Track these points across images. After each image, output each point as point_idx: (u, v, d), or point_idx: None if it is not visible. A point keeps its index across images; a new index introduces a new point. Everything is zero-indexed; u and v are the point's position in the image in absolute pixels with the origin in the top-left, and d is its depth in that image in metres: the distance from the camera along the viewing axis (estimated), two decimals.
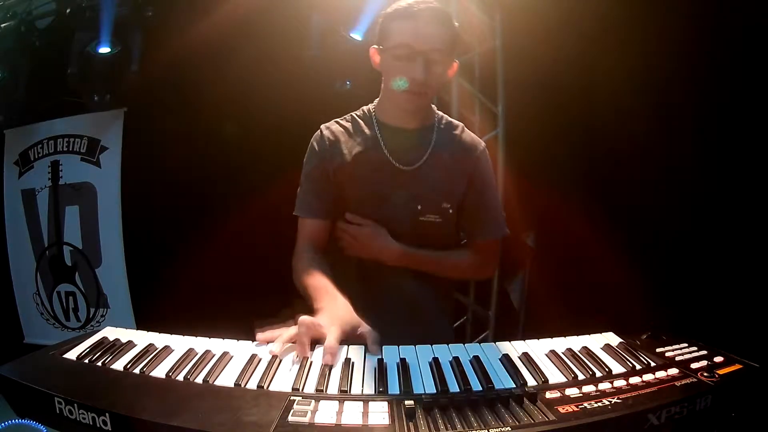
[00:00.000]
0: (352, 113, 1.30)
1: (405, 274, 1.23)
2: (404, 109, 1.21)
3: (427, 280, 1.25)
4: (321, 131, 1.27)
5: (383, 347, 0.90)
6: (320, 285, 1.09)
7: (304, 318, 0.89)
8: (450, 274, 1.31)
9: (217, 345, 0.90)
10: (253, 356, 0.84)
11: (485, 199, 1.28)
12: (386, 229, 1.22)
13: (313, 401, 0.69)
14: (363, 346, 0.90)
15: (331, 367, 0.81)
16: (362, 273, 1.25)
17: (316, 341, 0.89)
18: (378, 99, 1.28)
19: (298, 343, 0.86)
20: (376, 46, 1.20)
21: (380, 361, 0.84)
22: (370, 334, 0.93)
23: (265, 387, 0.75)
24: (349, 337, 0.93)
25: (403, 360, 0.84)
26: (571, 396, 0.72)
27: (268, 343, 0.90)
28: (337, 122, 1.29)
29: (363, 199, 1.22)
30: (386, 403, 0.69)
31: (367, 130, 1.25)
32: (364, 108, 1.30)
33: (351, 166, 1.21)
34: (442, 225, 1.23)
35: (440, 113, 1.30)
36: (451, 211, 1.23)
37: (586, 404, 0.69)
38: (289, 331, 0.89)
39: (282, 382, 0.77)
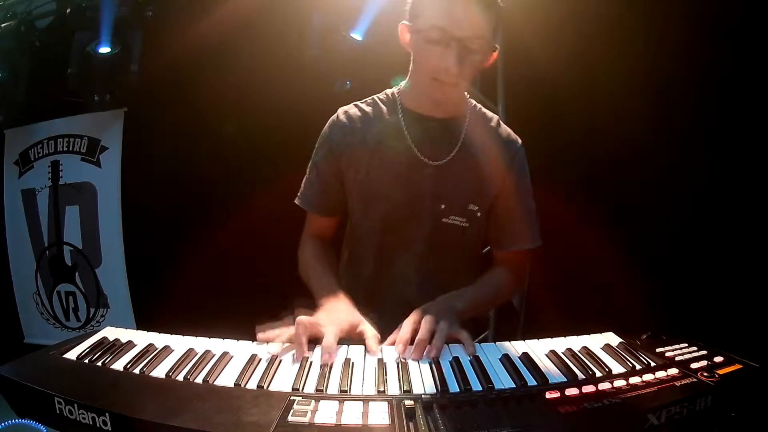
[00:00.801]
0: (375, 96, 1.16)
1: (426, 289, 1.11)
2: (433, 99, 1.07)
3: (439, 282, 1.11)
4: (338, 115, 1.15)
5: (383, 347, 0.90)
6: (323, 280, 1.07)
7: (301, 318, 0.89)
8: (497, 304, 1.21)
9: (217, 345, 0.90)
10: (253, 356, 0.84)
11: (520, 204, 1.14)
12: (405, 228, 1.10)
13: (313, 401, 0.69)
14: (363, 346, 0.90)
15: (331, 367, 0.81)
16: (379, 284, 1.16)
17: (315, 340, 0.89)
18: (404, 81, 1.13)
19: (296, 343, 0.86)
20: (406, 23, 1.03)
21: (380, 361, 0.84)
22: (370, 332, 0.93)
23: (265, 387, 0.75)
24: (349, 335, 0.93)
25: (403, 360, 0.84)
26: (571, 396, 0.72)
27: (267, 342, 0.90)
28: (357, 105, 1.15)
29: (381, 193, 1.10)
30: (386, 403, 0.69)
31: (389, 116, 1.11)
32: (388, 91, 1.16)
33: (368, 156, 1.09)
34: (467, 231, 1.11)
35: (473, 102, 1.16)
36: (479, 214, 1.11)
37: (586, 404, 0.69)
38: (288, 332, 0.89)
39: (282, 382, 0.77)
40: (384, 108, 1.13)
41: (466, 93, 1.14)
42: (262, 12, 2.66)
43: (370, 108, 1.14)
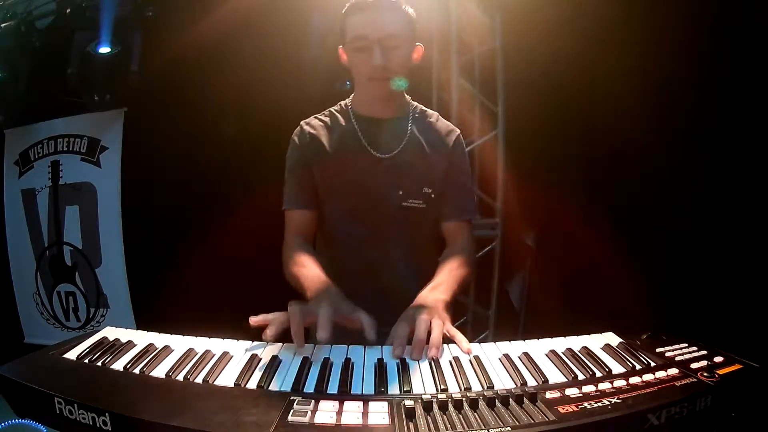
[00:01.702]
0: (330, 108, 1.34)
1: (391, 272, 1.25)
2: (376, 97, 1.25)
3: (419, 273, 1.23)
4: (301, 126, 1.32)
5: (383, 347, 0.90)
6: (310, 273, 1.11)
7: (294, 303, 0.90)
8: (466, 283, 1.26)
9: (217, 345, 0.90)
10: (253, 356, 0.84)
11: (460, 182, 1.32)
12: (371, 216, 1.24)
13: (313, 401, 0.69)
14: (363, 346, 0.90)
15: (331, 367, 0.81)
16: (354, 272, 1.25)
17: (309, 328, 0.89)
18: (353, 94, 1.33)
19: (295, 333, 0.87)
20: (341, 45, 1.24)
21: (380, 361, 0.84)
22: (366, 318, 0.94)
23: (265, 387, 0.75)
24: (343, 320, 0.94)
25: (403, 360, 0.85)
26: (571, 396, 0.72)
27: (259, 326, 0.90)
28: (317, 117, 1.34)
29: (346, 188, 1.26)
30: (386, 403, 0.69)
31: (344, 123, 1.29)
32: (341, 103, 1.34)
33: (332, 157, 1.26)
34: (425, 211, 1.26)
35: (415, 103, 1.34)
36: (433, 195, 1.26)
37: (586, 404, 0.69)
38: (280, 318, 0.90)
39: (282, 382, 0.77)
40: (339, 117, 1.31)
41: (406, 96, 1.32)
42: (262, 12, 2.66)
43: (328, 118, 1.32)
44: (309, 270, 1.12)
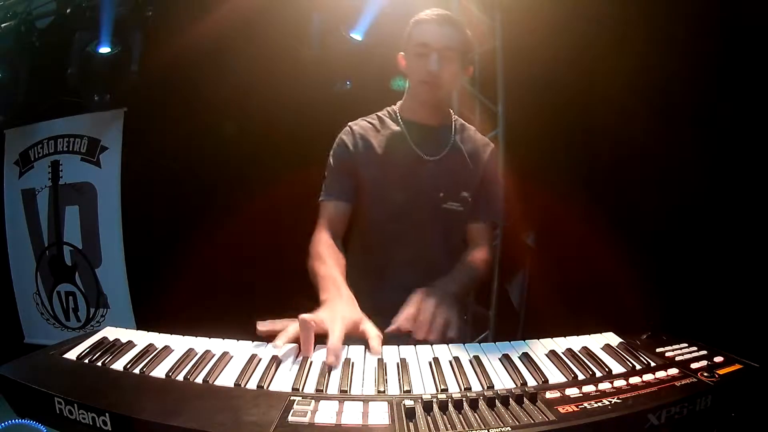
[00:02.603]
0: (376, 113, 1.42)
1: (419, 272, 1.28)
2: (423, 102, 1.33)
3: (439, 266, 1.29)
4: (350, 128, 1.38)
5: (383, 347, 0.90)
6: (328, 274, 1.13)
7: (304, 317, 0.89)
8: (480, 282, 1.35)
9: (217, 345, 0.90)
10: (253, 356, 0.84)
11: (490, 190, 1.40)
12: (412, 215, 1.32)
13: (313, 401, 0.69)
14: (363, 346, 0.90)
15: (331, 367, 0.81)
16: (384, 270, 1.34)
17: (318, 337, 0.89)
18: (401, 100, 1.41)
19: (304, 343, 0.87)
20: (402, 53, 1.33)
21: (380, 361, 0.84)
22: (373, 332, 0.94)
23: (265, 387, 0.75)
24: (351, 333, 0.94)
25: (403, 360, 0.85)
26: (571, 396, 0.72)
27: (268, 335, 0.90)
28: (364, 120, 1.41)
29: (392, 187, 1.33)
30: (386, 403, 0.69)
31: (393, 126, 1.37)
32: (388, 108, 1.42)
33: (381, 157, 1.33)
34: (462, 214, 1.34)
35: (456, 116, 1.44)
36: (469, 200, 1.35)
37: (586, 404, 0.69)
38: (291, 328, 0.90)
39: (282, 382, 0.77)
40: (388, 120, 1.39)
41: (451, 110, 1.42)
42: (262, 12, 2.66)
43: (375, 121, 1.40)
44: (328, 269, 1.15)
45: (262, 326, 0.93)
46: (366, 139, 1.35)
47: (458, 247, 1.39)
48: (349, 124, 1.40)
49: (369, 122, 1.40)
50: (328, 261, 1.18)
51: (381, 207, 1.34)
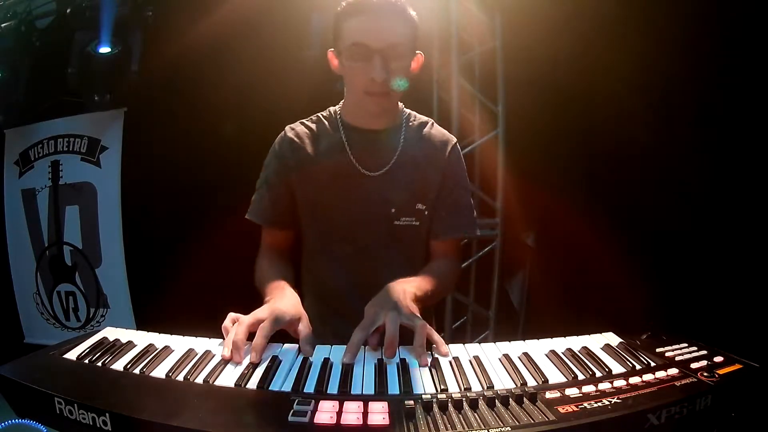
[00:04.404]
0: (319, 114, 1.23)
1: (377, 281, 1.07)
2: (369, 111, 1.13)
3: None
4: (285, 132, 1.21)
5: (382, 347, 0.90)
6: (271, 279, 1.07)
7: (234, 316, 0.89)
8: (441, 295, 1.18)
9: (217, 345, 0.90)
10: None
11: (454, 197, 1.20)
12: (359, 235, 1.15)
13: (313, 401, 0.69)
14: (363, 346, 0.90)
15: (331, 367, 0.81)
16: (341, 293, 1.20)
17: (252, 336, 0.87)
18: (343, 100, 1.21)
19: (234, 347, 0.83)
20: (332, 49, 1.12)
21: (380, 361, 0.84)
22: (304, 333, 0.91)
23: (265, 387, 0.75)
24: (288, 329, 0.92)
25: (403, 360, 0.84)
26: (571, 396, 0.72)
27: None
28: (303, 123, 1.22)
29: (331, 205, 1.16)
30: (386, 403, 0.69)
31: (332, 132, 1.18)
32: (331, 108, 1.23)
33: (315, 170, 1.15)
34: (418, 228, 1.18)
35: (407, 111, 1.24)
36: (426, 212, 1.17)
37: (586, 404, 0.69)
38: (231, 333, 0.87)
39: (282, 382, 0.77)
40: (327, 124, 1.20)
41: (399, 103, 1.21)
42: (262, 12, 2.66)
43: (315, 125, 1.20)
44: (272, 277, 1.08)
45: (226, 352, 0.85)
46: (300, 147, 1.16)
47: (421, 263, 1.20)
48: (286, 127, 1.21)
49: (307, 126, 1.20)
50: (271, 272, 1.11)
51: (322, 227, 1.18)
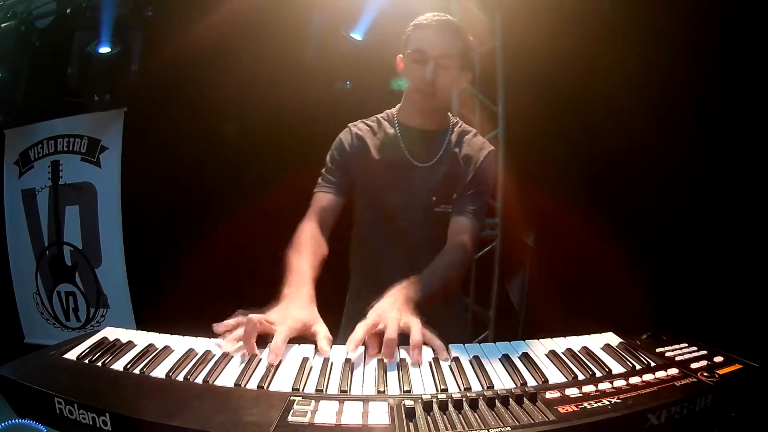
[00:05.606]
0: (377, 116, 1.44)
1: (410, 274, 1.15)
2: (419, 109, 1.34)
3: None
4: (349, 128, 1.42)
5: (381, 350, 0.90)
6: (297, 269, 1.12)
7: (252, 316, 0.90)
8: (450, 286, 1.26)
9: (215, 345, 0.90)
10: (253, 356, 0.84)
11: (475, 186, 1.35)
12: (404, 218, 1.34)
13: (313, 401, 0.69)
14: (363, 346, 0.90)
15: (331, 367, 0.81)
16: (380, 272, 1.30)
17: (264, 337, 0.89)
18: (399, 104, 1.42)
19: (245, 342, 0.87)
20: (400, 55, 1.33)
21: (380, 361, 0.84)
22: (322, 332, 0.94)
23: (265, 387, 0.75)
24: (302, 334, 0.94)
25: (403, 360, 0.85)
26: (571, 396, 0.72)
27: (223, 334, 0.91)
28: (363, 122, 1.43)
29: (384, 190, 1.36)
30: (386, 403, 0.69)
31: (389, 130, 1.38)
32: (388, 111, 1.44)
33: (374, 160, 1.35)
34: (450, 215, 1.34)
35: (456, 119, 1.44)
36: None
37: (586, 404, 0.69)
38: (239, 330, 0.90)
39: (282, 382, 0.77)
40: (385, 123, 1.41)
41: (449, 113, 1.42)
42: (262, 12, 2.66)
43: (374, 123, 1.42)
44: (300, 262, 1.14)
45: (218, 328, 0.92)
46: (363, 140, 1.38)
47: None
48: (349, 125, 1.43)
49: (368, 124, 1.43)
50: (303, 253, 1.17)
51: (374, 208, 1.38)
